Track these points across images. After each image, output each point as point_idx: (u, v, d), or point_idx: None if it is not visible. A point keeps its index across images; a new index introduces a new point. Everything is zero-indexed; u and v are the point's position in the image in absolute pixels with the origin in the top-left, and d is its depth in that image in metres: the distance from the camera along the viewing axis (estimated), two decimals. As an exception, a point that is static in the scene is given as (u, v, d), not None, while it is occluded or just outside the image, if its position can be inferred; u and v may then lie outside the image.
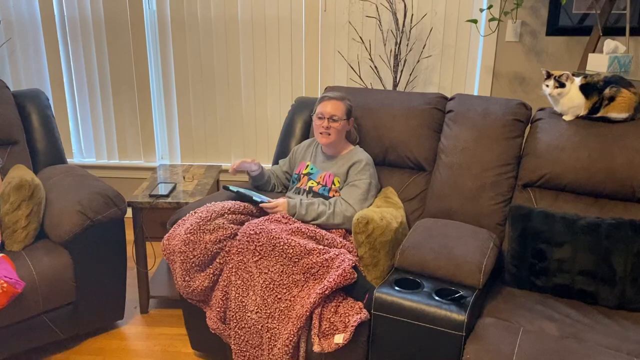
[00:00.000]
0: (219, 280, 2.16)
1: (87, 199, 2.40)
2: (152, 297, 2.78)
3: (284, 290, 2.05)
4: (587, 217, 2.03)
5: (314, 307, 1.98)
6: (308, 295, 2.01)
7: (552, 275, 2.02)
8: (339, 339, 1.93)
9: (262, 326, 2.04)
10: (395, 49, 3.25)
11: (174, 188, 2.80)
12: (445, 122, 2.50)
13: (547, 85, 2.31)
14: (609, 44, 2.65)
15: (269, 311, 2.03)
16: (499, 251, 2.16)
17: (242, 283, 2.10)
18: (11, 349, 2.28)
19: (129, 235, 3.22)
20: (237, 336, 2.10)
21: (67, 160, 3.14)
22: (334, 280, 1.97)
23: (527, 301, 2.00)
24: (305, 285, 2.05)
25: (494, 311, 1.96)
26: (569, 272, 2.00)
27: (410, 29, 3.34)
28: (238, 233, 2.16)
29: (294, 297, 2.04)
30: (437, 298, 1.87)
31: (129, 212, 3.45)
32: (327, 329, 1.97)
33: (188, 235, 2.12)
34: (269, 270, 2.07)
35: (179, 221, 2.23)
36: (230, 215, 2.24)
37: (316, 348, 1.95)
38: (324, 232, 2.20)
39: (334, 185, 2.42)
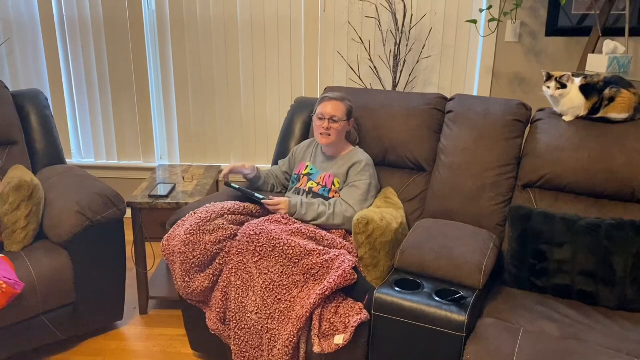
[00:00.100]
0: (219, 280, 2.16)
1: (86, 199, 2.40)
2: (151, 298, 2.78)
3: (284, 291, 2.04)
4: (587, 217, 2.03)
5: (314, 308, 1.97)
6: (308, 296, 2.00)
7: (552, 275, 2.02)
8: (339, 339, 1.92)
9: (262, 327, 2.04)
10: (394, 49, 3.25)
11: (173, 188, 2.80)
12: (445, 123, 2.50)
13: (549, 87, 2.31)
14: (609, 44, 2.65)
15: (268, 312, 2.02)
16: (499, 252, 2.16)
17: (242, 284, 2.10)
18: (10, 350, 2.27)
19: (129, 235, 3.21)
20: (236, 337, 2.10)
21: (66, 160, 3.13)
22: (334, 281, 1.97)
23: (527, 302, 2.00)
24: (305, 286, 2.05)
25: (494, 312, 1.95)
26: (569, 272, 2.00)
27: (410, 29, 3.34)
28: (238, 234, 2.16)
29: (294, 297, 2.03)
30: (437, 299, 1.87)
31: (129, 213, 3.45)
32: (327, 329, 1.97)
33: (188, 235, 2.12)
34: (268, 271, 2.06)
35: (179, 222, 2.23)
36: (230, 216, 2.24)
37: (316, 349, 1.94)
38: (324, 232, 2.20)
39: (334, 185, 2.42)
